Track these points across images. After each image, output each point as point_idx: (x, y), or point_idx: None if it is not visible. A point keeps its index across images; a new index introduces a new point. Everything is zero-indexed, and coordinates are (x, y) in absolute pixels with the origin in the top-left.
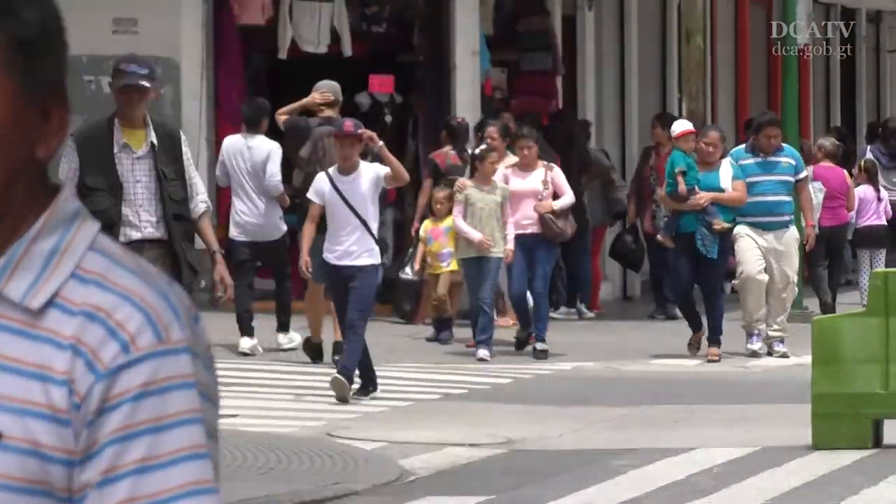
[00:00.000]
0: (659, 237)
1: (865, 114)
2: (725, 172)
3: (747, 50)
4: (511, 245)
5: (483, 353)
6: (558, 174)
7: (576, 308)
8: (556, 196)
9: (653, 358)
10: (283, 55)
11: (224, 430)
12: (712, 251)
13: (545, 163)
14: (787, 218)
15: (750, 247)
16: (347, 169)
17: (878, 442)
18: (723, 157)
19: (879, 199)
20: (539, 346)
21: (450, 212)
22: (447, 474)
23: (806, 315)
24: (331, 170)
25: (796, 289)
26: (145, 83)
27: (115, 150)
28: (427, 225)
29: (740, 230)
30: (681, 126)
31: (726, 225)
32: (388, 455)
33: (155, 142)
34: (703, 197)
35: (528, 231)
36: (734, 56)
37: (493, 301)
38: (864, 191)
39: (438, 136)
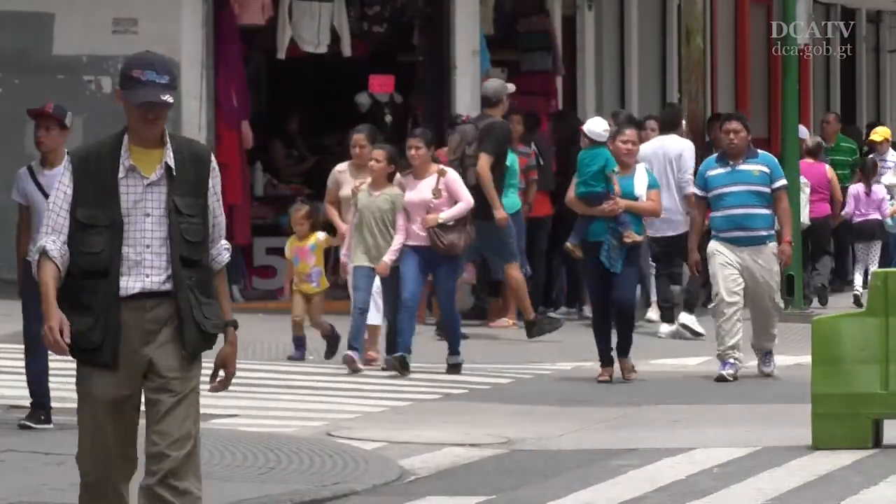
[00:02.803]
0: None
1: (865, 114)
2: (640, 179)
3: (747, 50)
4: (388, 258)
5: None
6: (453, 179)
7: (576, 308)
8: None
9: (653, 358)
10: (282, 55)
11: (224, 430)
12: (616, 265)
13: (439, 167)
14: (763, 233)
15: (724, 264)
16: (51, 161)
17: (878, 442)
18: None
19: (867, 194)
20: (451, 359)
21: (311, 230)
22: (447, 474)
23: (806, 315)
24: (33, 163)
25: (781, 304)
26: (169, 98)
27: (121, 174)
28: (290, 244)
29: (712, 247)
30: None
31: (638, 238)
32: (388, 455)
33: (172, 164)
34: (619, 203)
35: (424, 243)
36: (734, 56)
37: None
38: (856, 188)
39: (438, 136)
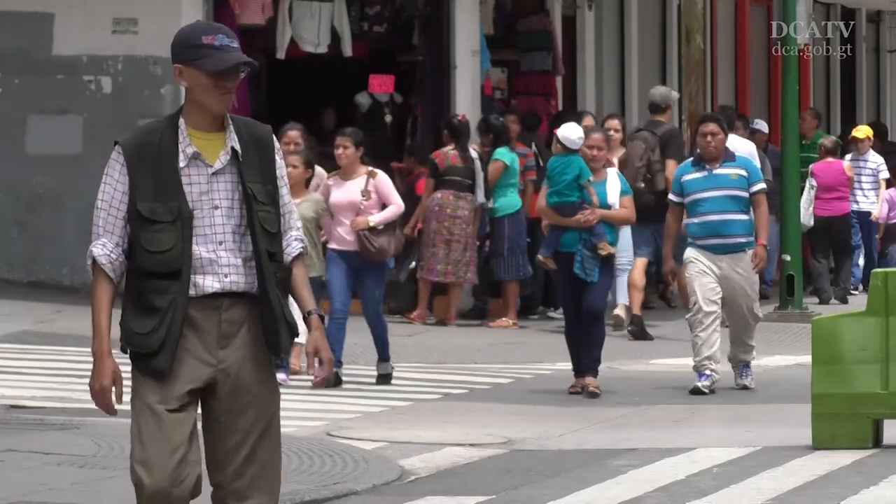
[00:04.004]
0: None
1: (865, 114)
2: (613, 185)
3: (747, 50)
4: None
5: (281, 376)
6: (383, 181)
7: None
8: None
9: (653, 358)
10: (281, 55)
11: None
12: (592, 275)
13: (369, 168)
14: (742, 240)
15: (701, 272)
16: None
17: (878, 442)
18: (607, 164)
19: None
20: (381, 368)
21: None
22: (447, 474)
23: (806, 315)
24: None
25: (760, 314)
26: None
27: (182, 162)
28: None
29: (689, 254)
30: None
31: (612, 250)
32: (388, 455)
33: (238, 148)
34: (592, 213)
35: (351, 248)
36: (734, 56)
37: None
38: (890, 192)
39: (438, 136)
